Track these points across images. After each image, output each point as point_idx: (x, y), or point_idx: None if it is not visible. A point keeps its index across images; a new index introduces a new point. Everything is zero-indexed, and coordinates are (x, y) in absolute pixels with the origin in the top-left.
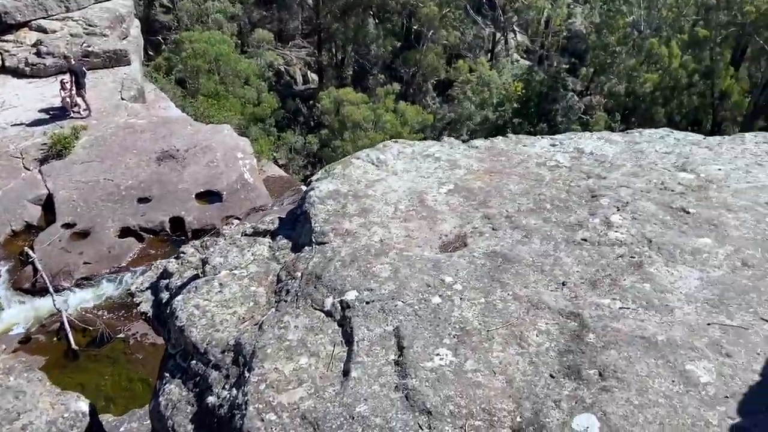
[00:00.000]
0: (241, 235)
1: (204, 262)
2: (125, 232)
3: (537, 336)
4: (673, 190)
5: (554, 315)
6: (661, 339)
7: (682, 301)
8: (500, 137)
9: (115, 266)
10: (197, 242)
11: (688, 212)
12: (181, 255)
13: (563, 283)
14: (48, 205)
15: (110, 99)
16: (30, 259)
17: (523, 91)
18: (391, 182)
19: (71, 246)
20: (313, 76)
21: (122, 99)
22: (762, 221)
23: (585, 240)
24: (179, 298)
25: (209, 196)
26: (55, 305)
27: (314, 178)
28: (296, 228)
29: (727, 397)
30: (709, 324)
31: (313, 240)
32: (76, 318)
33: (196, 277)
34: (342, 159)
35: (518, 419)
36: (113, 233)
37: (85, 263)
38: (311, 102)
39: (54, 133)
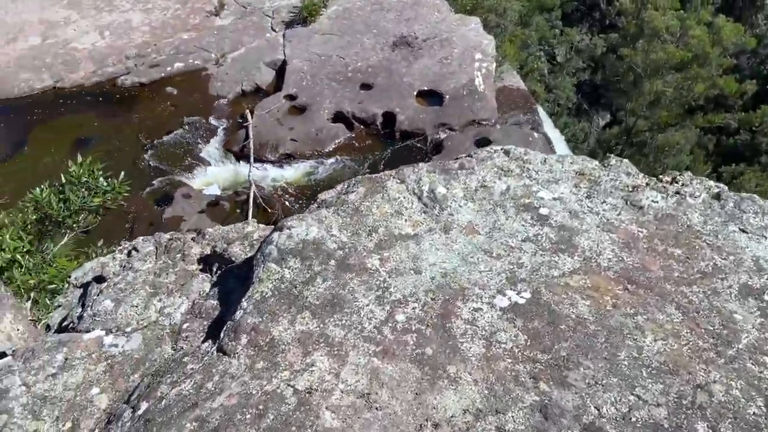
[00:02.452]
0: (197, 261)
1: (82, 302)
2: (338, 116)
3: None
4: None
5: None
6: None
7: None
8: (706, 198)
9: (318, 150)
10: (167, 237)
11: None
12: (133, 252)
13: None
14: (280, 72)
15: None
16: (245, 124)
17: None
18: (425, 250)
19: (285, 119)
20: None
21: None
22: None
23: None
24: None
25: (430, 97)
26: (249, 176)
27: (317, 199)
28: (249, 278)
29: None
30: None
31: (221, 338)
32: (262, 196)
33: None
34: (371, 177)
35: None
36: (326, 115)
37: (291, 140)
38: None
39: None
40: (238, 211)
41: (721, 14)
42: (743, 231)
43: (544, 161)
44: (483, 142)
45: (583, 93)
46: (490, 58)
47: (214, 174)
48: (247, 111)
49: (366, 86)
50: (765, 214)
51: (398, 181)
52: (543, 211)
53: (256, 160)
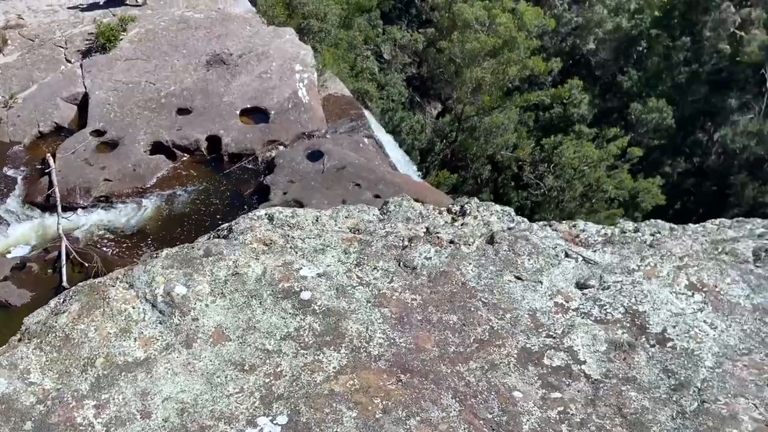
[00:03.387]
0: None
1: None
2: (156, 147)
3: None
4: None
5: None
6: None
7: None
8: (480, 244)
9: (138, 187)
10: None
11: None
12: None
13: None
14: (83, 106)
15: None
16: (47, 170)
17: None
18: (158, 379)
19: (95, 158)
20: None
21: None
22: None
23: None
24: None
25: (255, 114)
26: (58, 229)
27: (22, 326)
28: None
29: None
30: None
31: None
32: (76, 250)
33: None
34: (92, 285)
35: None
36: (143, 148)
37: (105, 180)
38: None
39: (101, 22)
40: (50, 272)
41: (524, 0)
42: (518, 279)
43: (316, 220)
44: (315, 155)
45: (414, 86)
46: (310, 67)
47: (17, 233)
48: (48, 155)
49: (184, 111)
50: (539, 254)
51: (126, 285)
52: (305, 295)
53: (66, 209)
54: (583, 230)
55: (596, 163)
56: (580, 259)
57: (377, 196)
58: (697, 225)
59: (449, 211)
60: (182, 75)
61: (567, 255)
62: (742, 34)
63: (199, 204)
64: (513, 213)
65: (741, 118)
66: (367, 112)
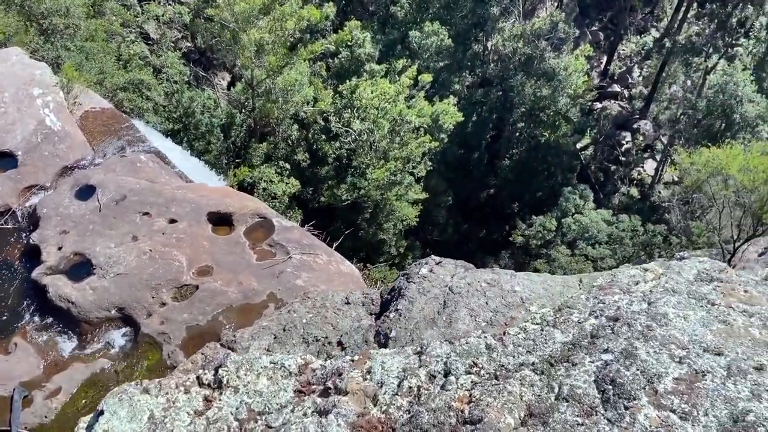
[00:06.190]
0: None
1: None
2: None
3: None
4: None
5: None
6: None
7: None
8: None
9: None
10: None
11: None
12: None
13: None
14: None
15: None
16: None
17: None
18: None
19: None
20: None
21: None
22: None
23: None
24: None
25: (0, 160)
26: None
27: None
28: None
29: None
30: None
31: None
32: None
33: None
34: None
35: None
36: None
37: None
38: None
39: None
40: None
41: None
42: None
43: None
44: (86, 191)
45: (194, 61)
46: (53, 88)
47: None
48: None
49: None
50: None
51: None
52: None
53: None
54: (381, 384)
55: (394, 98)
56: None
57: (173, 221)
58: (519, 333)
59: (200, 382)
60: None
61: None
62: None
63: None
64: (286, 361)
65: (505, 24)
66: (137, 122)
